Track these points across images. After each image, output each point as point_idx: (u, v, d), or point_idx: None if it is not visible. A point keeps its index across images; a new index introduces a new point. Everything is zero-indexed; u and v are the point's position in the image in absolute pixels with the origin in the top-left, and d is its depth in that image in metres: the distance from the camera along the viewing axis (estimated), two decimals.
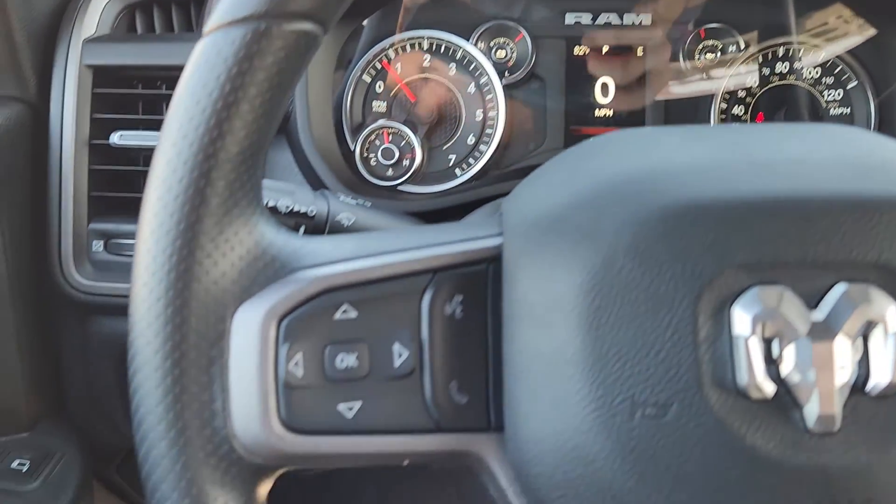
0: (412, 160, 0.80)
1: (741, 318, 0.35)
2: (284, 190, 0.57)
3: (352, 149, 0.81)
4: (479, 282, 0.40)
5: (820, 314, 0.36)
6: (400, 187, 0.81)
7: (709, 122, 0.82)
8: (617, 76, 0.83)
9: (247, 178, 0.39)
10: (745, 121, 0.83)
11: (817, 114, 0.83)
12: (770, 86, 0.83)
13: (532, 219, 0.39)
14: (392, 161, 0.81)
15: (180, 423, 0.37)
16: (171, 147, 0.37)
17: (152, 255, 0.37)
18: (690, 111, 0.83)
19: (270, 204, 0.56)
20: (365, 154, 0.81)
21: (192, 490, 0.37)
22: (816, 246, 0.36)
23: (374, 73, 0.83)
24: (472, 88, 0.82)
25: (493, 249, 0.40)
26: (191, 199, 0.37)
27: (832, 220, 0.36)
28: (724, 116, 0.83)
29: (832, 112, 0.83)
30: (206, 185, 0.37)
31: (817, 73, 0.83)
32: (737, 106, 0.83)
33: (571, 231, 0.38)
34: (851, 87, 0.83)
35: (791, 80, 0.83)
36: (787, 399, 0.35)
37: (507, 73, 0.83)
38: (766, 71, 0.83)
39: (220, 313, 0.38)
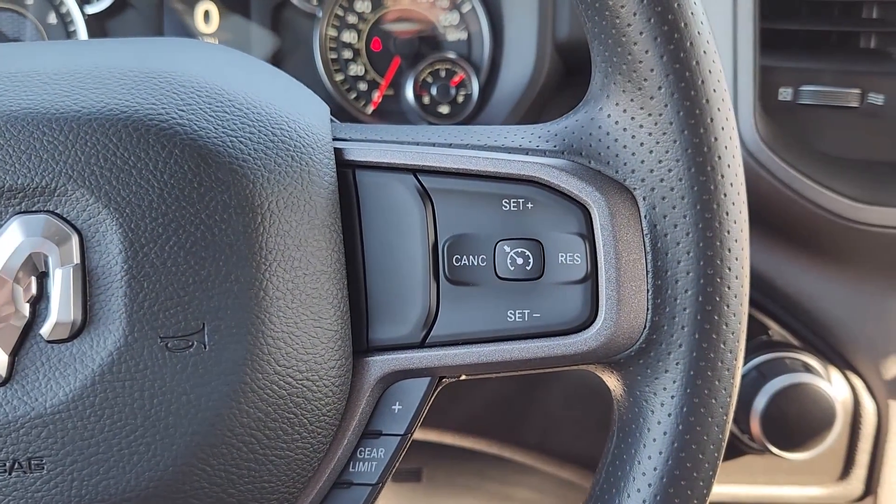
0: None
1: None
2: None
3: None
4: None
5: None
6: None
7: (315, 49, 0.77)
8: (218, 1, 0.76)
9: None
10: (358, 49, 0.78)
11: (436, 38, 0.78)
12: (384, 10, 0.78)
13: None
14: None
15: None
16: None
17: None
18: (292, 39, 0.77)
19: None
20: None
21: None
22: None
23: None
24: (52, 18, 0.75)
25: None
26: None
27: (8, 139, 0.32)
28: (333, 45, 0.77)
29: (450, 38, 0.78)
30: None
31: None
32: (347, 32, 0.77)
33: None
34: (466, 11, 0.78)
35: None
36: None
37: (91, 1, 0.75)
38: None
39: None
